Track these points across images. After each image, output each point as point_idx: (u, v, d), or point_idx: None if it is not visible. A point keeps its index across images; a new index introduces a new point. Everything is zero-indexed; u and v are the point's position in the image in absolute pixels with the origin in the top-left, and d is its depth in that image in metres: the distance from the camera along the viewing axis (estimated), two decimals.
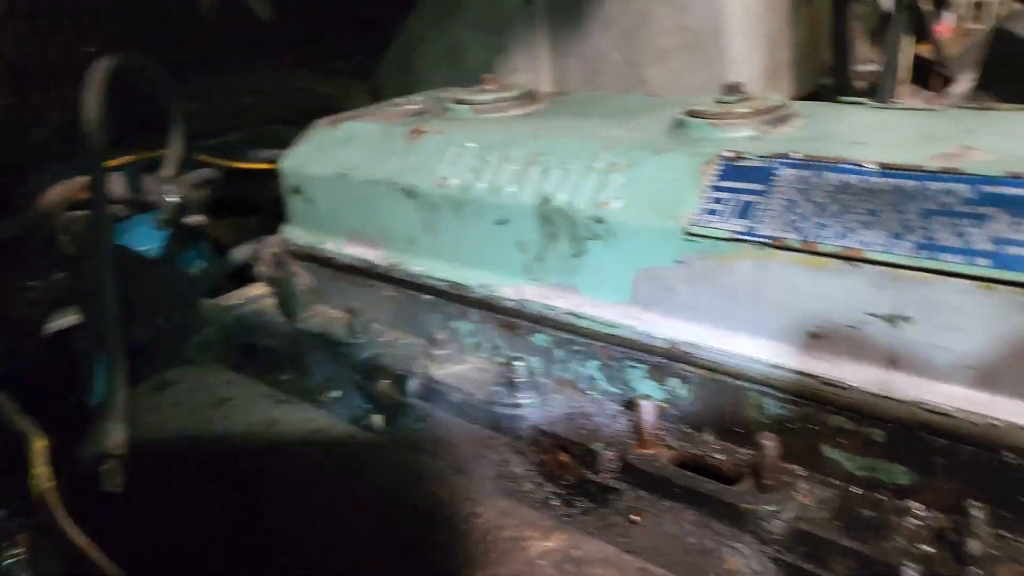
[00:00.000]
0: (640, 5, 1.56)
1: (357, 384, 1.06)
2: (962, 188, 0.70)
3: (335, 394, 1.08)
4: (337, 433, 0.96)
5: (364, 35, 2.10)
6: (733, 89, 0.93)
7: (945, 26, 2.04)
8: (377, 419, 1.01)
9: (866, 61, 1.87)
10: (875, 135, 0.85)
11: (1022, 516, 0.67)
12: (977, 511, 0.66)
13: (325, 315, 1.18)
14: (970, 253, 0.67)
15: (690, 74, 1.53)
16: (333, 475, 0.89)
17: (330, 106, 1.41)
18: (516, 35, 1.70)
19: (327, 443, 0.94)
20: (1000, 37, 1.79)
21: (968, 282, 0.66)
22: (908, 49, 1.90)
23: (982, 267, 0.66)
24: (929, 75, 1.98)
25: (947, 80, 1.99)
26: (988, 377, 0.67)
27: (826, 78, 1.82)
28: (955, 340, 0.68)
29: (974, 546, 0.66)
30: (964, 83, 1.90)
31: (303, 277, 1.22)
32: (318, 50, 2.10)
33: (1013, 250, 0.65)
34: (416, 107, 1.20)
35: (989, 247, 0.66)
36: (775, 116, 0.90)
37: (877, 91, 1.58)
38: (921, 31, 2.02)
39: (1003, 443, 0.66)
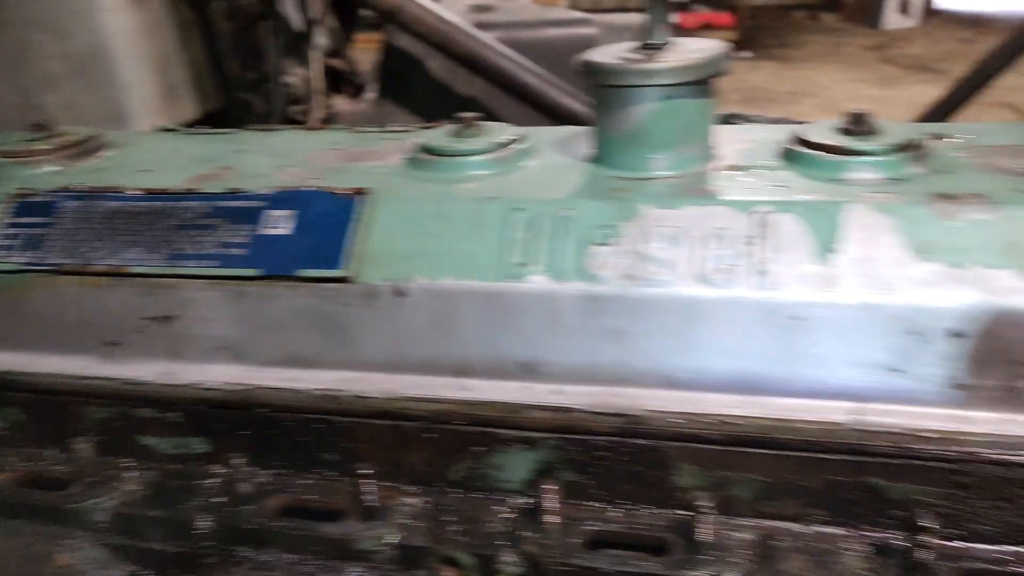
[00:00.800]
0: (19, 33, 1.54)
1: None
2: (200, 205, 0.85)
3: None
4: None
5: None
6: (39, 127, 1.00)
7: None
8: None
9: (283, 74, 2.07)
10: (165, 161, 0.98)
11: (273, 453, 0.85)
12: (240, 460, 0.83)
13: None
14: (204, 258, 0.83)
15: (85, 99, 1.56)
16: None
17: None
18: None
19: None
20: (389, 50, 2.11)
21: (206, 281, 0.82)
22: (319, 63, 2.14)
23: (212, 268, 0.82)
24: (343, 85, 2.26)
25: (359, 88, 2.29)
26: (240, 353, 0.84)
27: (246, 93, 1.97)
28: (212, 328, 0.84)
29: (244, 487, 0.83)
30: (372, 91, 2.21)
31: None
32: None
33: (233, 251, 0.82)
34: None
35: (217, 251, 0.83)
36: (81, 149, 0.99)
37: (275, 104, 1.77)
38: (337, 46, 2.29)
39: (256, 402, 0.83)
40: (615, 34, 2.07)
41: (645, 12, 0.81)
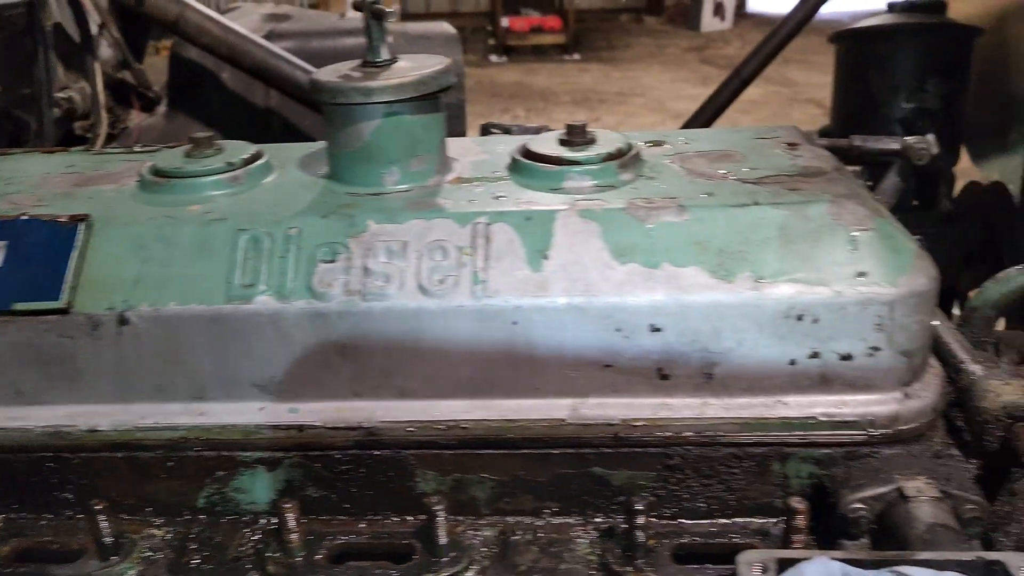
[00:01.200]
0: None
1: None
2: None
3: None
4: None
5: None
6: None
7: None
8: None
9: (59, 89, 1.95)
10: None
11: (2, 498, 0.81)
12: None
13: None
14: None
15: None
16: None
17: None
18: None
19: None
20: (178, 61, 2.03)
21: None
22: (102, 76, 2.03)
23: None
24: (134, 98, 2.15)
25: (152, 102, 2.18)
26: None
27: (17, 110, 1.84)
28: None
29: None
30: (164, 104, 2.11)
31: None
32: None
33: None
34: None
35: None
36: None
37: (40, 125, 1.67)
38: (124, 57, 2.17)
39: None
40: (412, 44, 2.08)
41: (365, 29, 0.83)
